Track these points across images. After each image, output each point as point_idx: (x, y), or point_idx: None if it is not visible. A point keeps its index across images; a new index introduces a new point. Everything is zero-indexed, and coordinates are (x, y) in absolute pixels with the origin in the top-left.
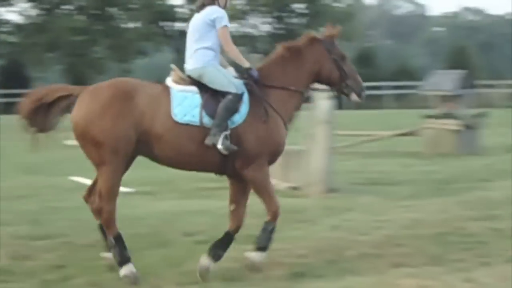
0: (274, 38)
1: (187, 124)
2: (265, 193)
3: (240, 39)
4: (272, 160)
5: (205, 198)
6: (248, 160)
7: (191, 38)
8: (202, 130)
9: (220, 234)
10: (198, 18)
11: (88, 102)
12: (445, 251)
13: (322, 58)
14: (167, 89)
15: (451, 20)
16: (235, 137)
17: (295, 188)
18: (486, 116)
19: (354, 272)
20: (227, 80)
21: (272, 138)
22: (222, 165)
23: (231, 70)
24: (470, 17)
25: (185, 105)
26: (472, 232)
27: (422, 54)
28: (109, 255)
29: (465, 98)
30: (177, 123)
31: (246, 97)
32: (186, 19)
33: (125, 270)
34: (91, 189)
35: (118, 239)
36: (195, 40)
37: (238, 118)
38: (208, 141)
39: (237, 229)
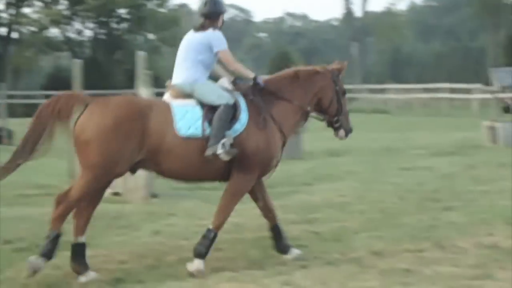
0: (96, 42)
1: (191, 137)
2: (229, 203)
3: (63, 44)
4: (262, 172)
5: (26, 205)
6: (242, 166)
7: (184, 55)
8: (206, 142)
9: (41, 240)
10: (196, 38)
11: (101, 115)
12: (266, 255)
13: (327, 86)
14: (169, 105)
15: (275, 26)
16: (238, 144)
17: (116, 194)
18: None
19: (175, 277)
20: (216, 95)
21: (268, 149)
22: (228, 171)
23: (224, 81)
24: (294, 23)
25: (188, 118)
26: (292, 236)
27: (247, 59)
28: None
29: None
30: (181, 137)
31: (244, 105)
32: (6, 24)
33: (34, 262)
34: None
35: (57, 237)
36: (188, 57)
37: (239, 126)
38: (208, 152)
39: (276, 219)
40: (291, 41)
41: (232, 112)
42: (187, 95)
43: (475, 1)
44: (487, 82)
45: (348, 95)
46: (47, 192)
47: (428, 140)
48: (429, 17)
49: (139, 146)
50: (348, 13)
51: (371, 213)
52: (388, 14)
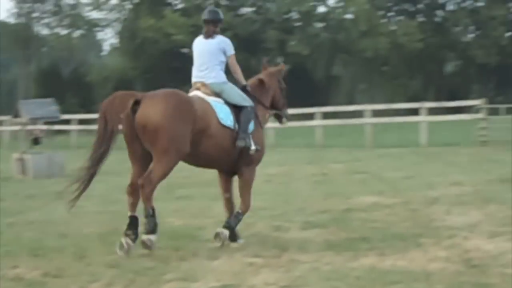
0: None
1: (228, 128)
2: (248, 190)
3: None
4: (258, 164)
5: None
6: (250, 162)
7: (206, 58)
8: (234, 133)
9: None
10: (211, 43)
11: (161, 104)
12: None
13: (277, 87)
14: (204, 99)
15: None
16: None
17: None
18: None
19: None
20: (242, 97)
21: (263, 145)
22: (235, 162)
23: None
24: None
25: (224, 112)
26: None
27: None
28: None
29: None
30: (223, 126)
31: None
32: None
33: (148, 237)
34: (133, 186)
35: (153, 211)
36: (210, 60)
37: (252, 126)
38: (241, 143)
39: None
40: None
41: (253, 113)
42: (215, 94)
43: (6, 33)
44: (16, 114)
45: None
46: None
47: None
48: None
49: (191, 129)
50: None
51: None
52: None
